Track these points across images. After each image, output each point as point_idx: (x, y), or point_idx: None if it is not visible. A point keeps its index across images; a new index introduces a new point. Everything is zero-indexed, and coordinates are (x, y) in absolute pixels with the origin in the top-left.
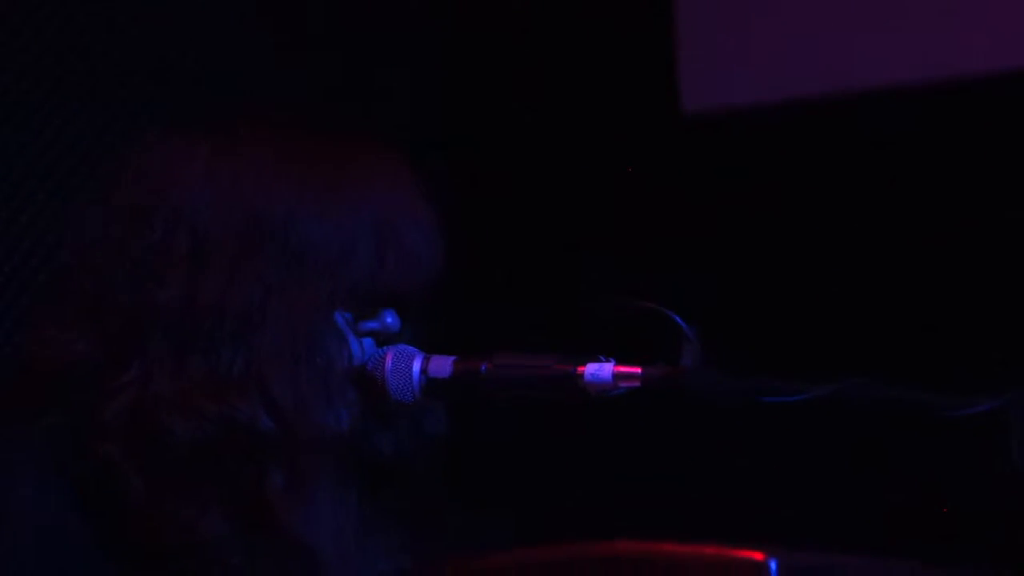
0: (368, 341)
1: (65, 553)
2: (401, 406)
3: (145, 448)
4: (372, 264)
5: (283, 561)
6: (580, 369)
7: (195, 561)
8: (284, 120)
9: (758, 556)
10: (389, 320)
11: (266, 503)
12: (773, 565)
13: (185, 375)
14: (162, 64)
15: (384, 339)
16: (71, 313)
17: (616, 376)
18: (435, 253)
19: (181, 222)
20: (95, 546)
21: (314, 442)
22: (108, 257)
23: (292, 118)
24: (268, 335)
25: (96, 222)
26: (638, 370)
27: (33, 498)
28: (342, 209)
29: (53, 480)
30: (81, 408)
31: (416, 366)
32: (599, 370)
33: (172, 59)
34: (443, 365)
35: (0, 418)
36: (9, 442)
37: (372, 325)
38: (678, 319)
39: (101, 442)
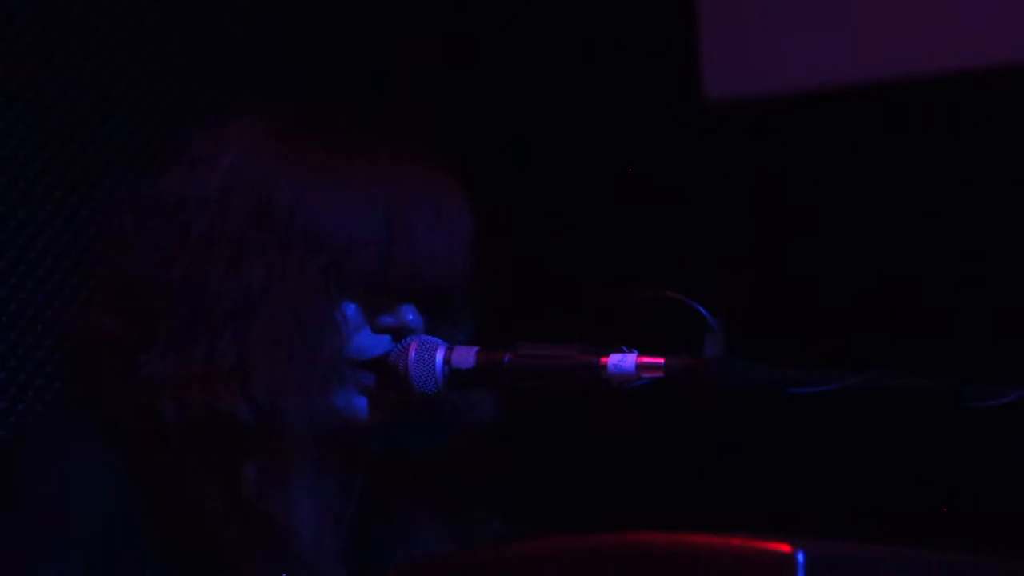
0: (385, 337)
1: (114, 534)
2: (425, 396)
3: (153, 427)
4: (379, 255)
5: (263, 544)
6: (603, 360)
7: (202, 535)
8: (310, 113)
9: (785, 548)
10: (410, 317)
11: (242, 488)
12: (800, 557)
13: (187, 359)
14: (163, 62)
15: (402, 335)
16: (108, 293)
17: (639, 367)
18: (456, 253)
19: (206, 208)
20: (135, 525)
21: (291, 434)
22: (141, 241)
23: (318, 112)
24: (261, 321)
25: (135, 208)
26: (661, 360)
27: (89, 480)
28: (352, 198)
29: (106, 460)
30: (116, 383)
31: (439, 356)
32: (622, 360)
33: (172, 58)
34: (466, 355)
35: (65, 401)
36: (69, 412)
37: (388, 320)
38: (702, 309)
39: (123, 417)
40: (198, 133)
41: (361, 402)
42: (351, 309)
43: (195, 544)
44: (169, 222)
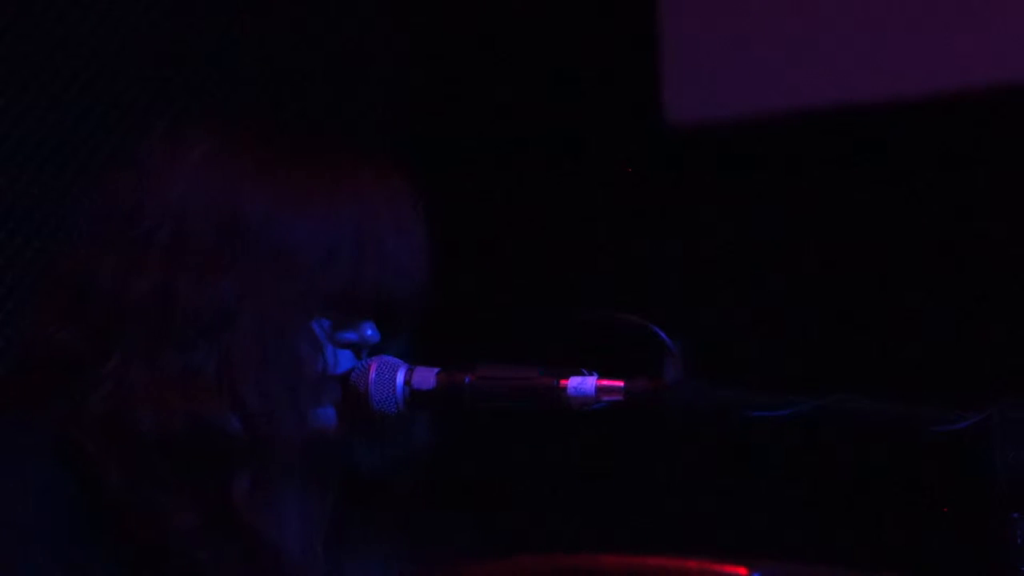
0: (347, 353)
1: (58, 539)
2: (385, 417)
3: (120, 440)
4: (352, 270)
5: (249, 561)
6: (563, 382)
7: (168, 554)
8: (272, 123)
9: (742, 571)
10: (369, 332)
11: (231, 503)
12: None
13: (159, 370)
14: (146, 66)
15: (362, 351)
16: (58, 304)
17: (599, 389)
18: (419, 264)
19: (165, 218)
20: (83, 534)
21: (282, 446)
22: (94, 249)
23: (281, 122)
24: (242, 335)
25: (86, 215)
26: (621, 384)
27: (34, 481)
28: (322, 213)
29: (49, 465)
30: (68, 398)
31: (400, 377)
32: (582, 383)
33: (152, 62)
34: (427, 377)
35: (4, 404)
36: (14, 426)
37: (350, 336)
38: (661, 333)
39: (80, 432)
40: (149, 140)
41: (330, 413)
42: (324, 324)
43: (161, 563)
44: (125, 231)
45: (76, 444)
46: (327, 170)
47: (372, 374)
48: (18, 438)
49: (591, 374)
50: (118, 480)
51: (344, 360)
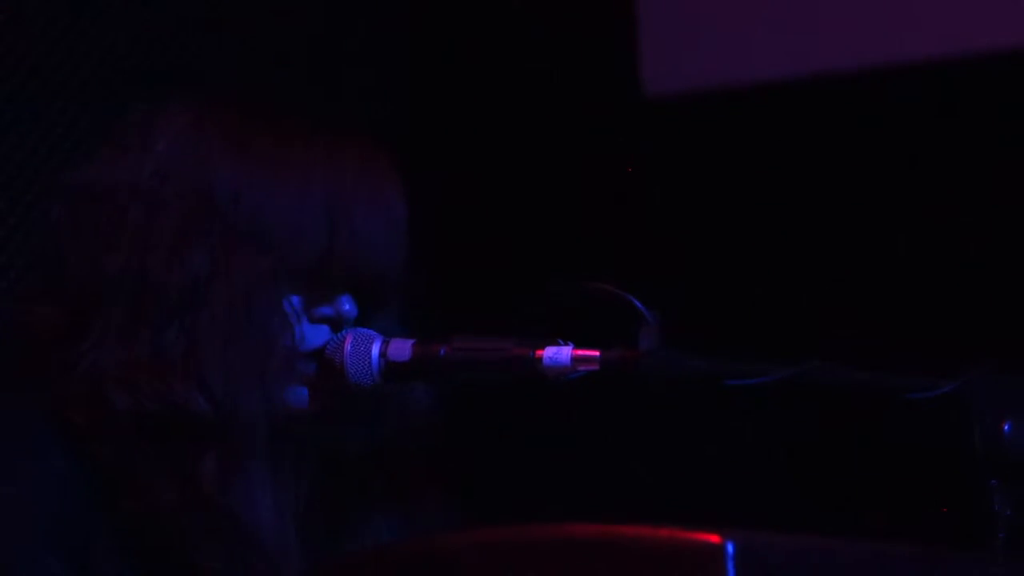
0: (323, 328)
1: (59, 516)
2: (361, 389)
3: (103, 418)
4: (322, 246)
5: (223, 540)
6: (539, 352)
7: (158, 531)
8: (243, 100)
9: (715, 538)
10: (346, 307)
11: (202, 482)
12: (730, 547)
13: (131, 348)
14: (138, 62)
15: (340, 326)
16: (40, 282)
17: (574, 359)
18: (393, 240)
19: (138, 196)
20: (82, 507)
21: (248, 426)
22: (70, 228)
23: (252, 99)
24: (210, 313)
25: (62, 194)
26: (596, 353)
27: (32, 455)
28: (291, 187)
29: (46, 441)
30: (50, 377)
31: (375, 349)
32: (557, 353)
33: (145, 57)
34: (402, 348)
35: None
36: (8, 404)
37: (326, 311)
38: (637, 303)
39: (65, 408)
40: (124, 118)
41: (302, 392)
42: (294, 300)
43: (154, 538)
44: (101, 210)
45: (68, 419)
46: (299, 145)
47: (347, 346)
48: (13, 415)
49: (567, 344)
50: (109, 454)
51: (321, 335)
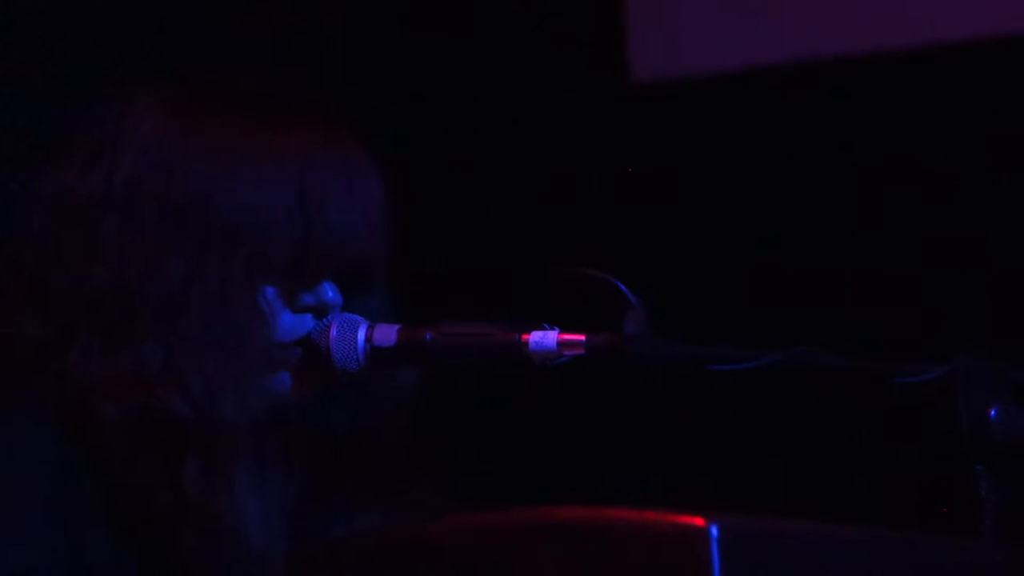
0: (307, 316)
1: (58, 508)
2: (347, 374)
3: (90, 424)
4: (299, 237)
5: (210, 545)
6: (525, 337)
7: (153, 534)
8: (209, 93)
9: (699, 521)
10: (330, 295)
11: (186, 486)
12: (714, 530)
13: (114, 360)
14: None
15: (324, 313)
16: (22, 292)
17: (560, 344)
18: (369, 224)
19: (111, 207)
20: (82, 502)
21: (232, 426)
22: (50, 239)
23: (208, 83)
24: (188, 320)
25: (39, 203)
26: (582, 338)
27: (33, 447)
28: (262, 179)
29: (48, 434)
30: (40, 384)
31: (361, 335)
32: (543, 338)
33: (140, 55)
34: (388, 333)
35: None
36: (10, 398)
37: (308, 299)
38: (623, 287)
39: (57, 417)
40: (90, 119)
41: (285, 377)
42: (271, 293)
43: (149, 539)
44: (77, 222)
45: (60, 418)
46: (266, 134)
47: (333, 332)
48: (16, 408)
49: (553, 329)
50: (101, 457)
51: (304, 324)
